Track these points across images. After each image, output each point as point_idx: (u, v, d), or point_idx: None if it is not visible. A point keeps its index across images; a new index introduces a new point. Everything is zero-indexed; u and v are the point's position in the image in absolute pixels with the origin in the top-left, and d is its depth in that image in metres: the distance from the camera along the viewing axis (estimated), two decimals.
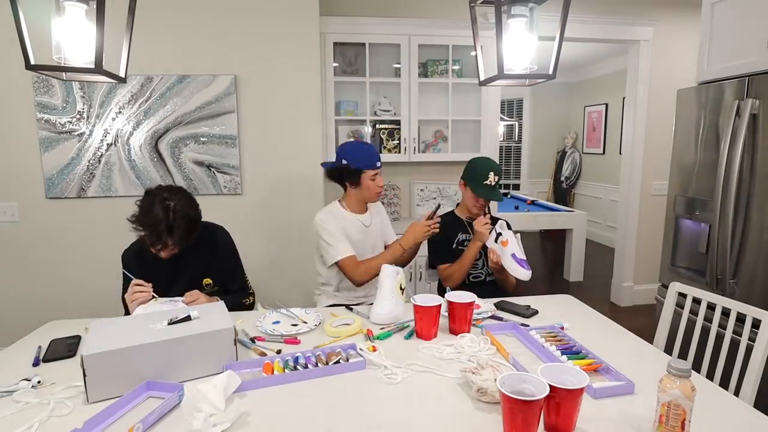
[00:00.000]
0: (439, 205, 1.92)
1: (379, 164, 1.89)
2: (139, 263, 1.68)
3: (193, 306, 1.41)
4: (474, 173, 2.01)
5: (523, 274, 1.82)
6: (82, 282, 2.70)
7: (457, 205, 2.20)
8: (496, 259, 1.89)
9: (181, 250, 1.63)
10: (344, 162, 1.87)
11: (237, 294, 1.81)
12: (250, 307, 1.84)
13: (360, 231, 1.98)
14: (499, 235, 1.92)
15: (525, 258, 1.85)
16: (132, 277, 1.58)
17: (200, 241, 1.70)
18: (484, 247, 2.01)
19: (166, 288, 1.62)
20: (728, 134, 2.00)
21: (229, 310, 1.46)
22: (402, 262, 1.95)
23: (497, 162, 2.07)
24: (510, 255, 1.84)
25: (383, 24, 3.14)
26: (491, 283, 2.10)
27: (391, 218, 2.32)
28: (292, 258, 2.85)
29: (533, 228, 5.21)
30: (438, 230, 1.90)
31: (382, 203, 3.43)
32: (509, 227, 1.97)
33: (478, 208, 2.03)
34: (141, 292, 1.53)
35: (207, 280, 1.75)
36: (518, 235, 1.93)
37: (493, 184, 1.98)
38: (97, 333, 1.17)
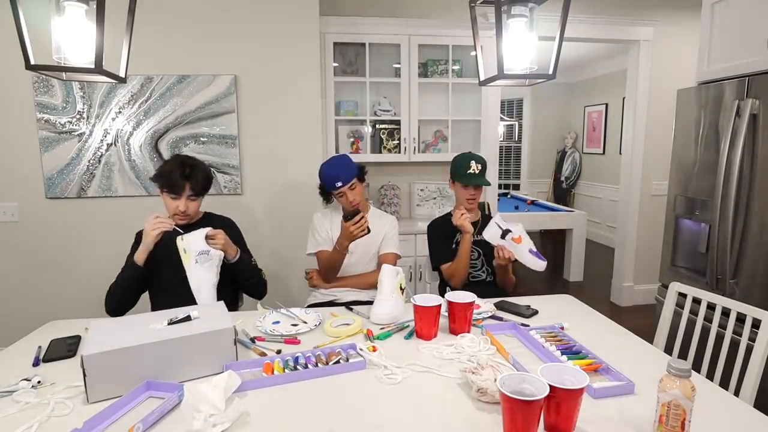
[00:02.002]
0: (358, 211, 1.83)
1: (339, 184, 1.92)
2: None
3: (197, 310, 1.40)
4: (457, 167, 2.06)
5: (541, 265, 1.85)
6: (82, 282, 2.70)
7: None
8: (508, 255, 1.86)
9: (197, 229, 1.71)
10: (320, 182, 2.03)
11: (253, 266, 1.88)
12: (264, 283, 1.91)
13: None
14: (506, 231, 1.90)
15: (536, 249, 1.88)
16: (180, 230, 1.65)
17: (213, 226, 1.75)
18: (481, 246, 2.02)
19: (174, 268, 1.65)
20: (728, 134, 2.00)
21: (247, 269, 1.80)
22: (339, 262, 1.97)
23: (482, 156, 2.12)
24: (527, 250, 1.86)
25: (383, 24, 3.14)
26: (491, 283, 2.10)
27: None
28: (292, 258, 2.85)
29: (533, 228, 5.20)
30: (366, 229, 1.83)
31: (382, 203, 3.45)
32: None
33: (470, 200, 2.05)
34: (163, 222, 1.61)
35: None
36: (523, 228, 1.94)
37: (477, 171, 2.02)
38: (97, 333, 1.17)
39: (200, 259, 1.63)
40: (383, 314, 1.55)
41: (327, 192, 2.04)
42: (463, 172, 2.03)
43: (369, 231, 1.84)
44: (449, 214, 2.18)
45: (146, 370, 1.12)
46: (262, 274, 1.91)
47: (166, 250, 1.66)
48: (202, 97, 2.65)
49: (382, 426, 0.99)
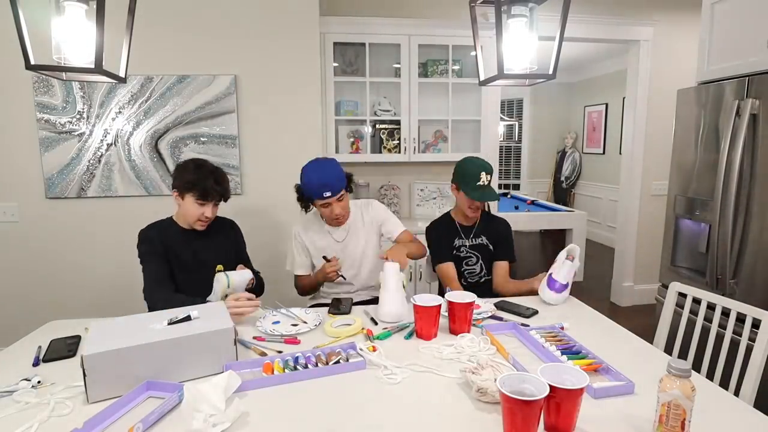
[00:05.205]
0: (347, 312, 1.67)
1: (327, 194, 1.75)
2: (161, 242, 1.75)
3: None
4: (465, 175, 1.93)
5: (550, 297, 1.72)
6: (82, 282, 2.70)
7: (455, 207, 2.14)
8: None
9: (205, 231, 1.80)
10: (301, 185, 1.87)
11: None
12: (262, 284, 1.99)
13: (332, 245, 1.99)
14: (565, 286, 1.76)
15: (566, 282, 1.73)
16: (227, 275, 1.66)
17: (219, 228, 1.84)
18: (478, 249, 2.02)
19: (181, 268, 1.73)
20: (728, 134, 2.00)
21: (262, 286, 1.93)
22: (314, 286, 2.05)
23: (488, 161, 1.99)
24: (548, 275, 1.77)
25: (383, 24, 3.14)
26: (486, 283, 2.08)
27: None
28: None
29: (533, 228, 5.21)
30: (335, 276, 1.87)
31: (382, 203, 3.44)
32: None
33: (473, 210, 1.98)
34: (249, 307, 1.54)
35: (219, 267, 1.80)
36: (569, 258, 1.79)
37: (486, 183, 1.90)
38: (97, 333, 1.17)
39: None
40: (392, 312, 1.55)
41: (307, 199, 1.86)
42: (473, 185, 1.89)
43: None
44: (447, 216, 2.14)
45: (146, 370, 1.12)
46: (260, 276, 1.93)
47: (186, 253, 1.74)
48: (202, 97, 2.65)
49: (382, 426, 0.99)
